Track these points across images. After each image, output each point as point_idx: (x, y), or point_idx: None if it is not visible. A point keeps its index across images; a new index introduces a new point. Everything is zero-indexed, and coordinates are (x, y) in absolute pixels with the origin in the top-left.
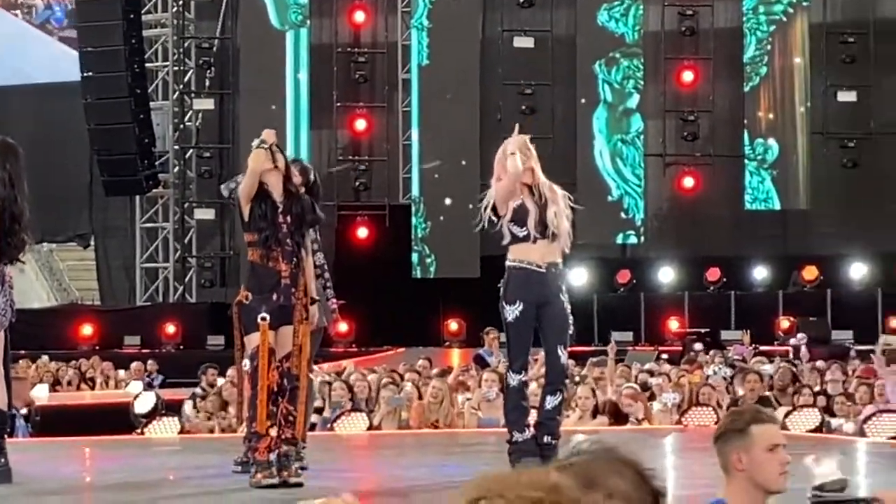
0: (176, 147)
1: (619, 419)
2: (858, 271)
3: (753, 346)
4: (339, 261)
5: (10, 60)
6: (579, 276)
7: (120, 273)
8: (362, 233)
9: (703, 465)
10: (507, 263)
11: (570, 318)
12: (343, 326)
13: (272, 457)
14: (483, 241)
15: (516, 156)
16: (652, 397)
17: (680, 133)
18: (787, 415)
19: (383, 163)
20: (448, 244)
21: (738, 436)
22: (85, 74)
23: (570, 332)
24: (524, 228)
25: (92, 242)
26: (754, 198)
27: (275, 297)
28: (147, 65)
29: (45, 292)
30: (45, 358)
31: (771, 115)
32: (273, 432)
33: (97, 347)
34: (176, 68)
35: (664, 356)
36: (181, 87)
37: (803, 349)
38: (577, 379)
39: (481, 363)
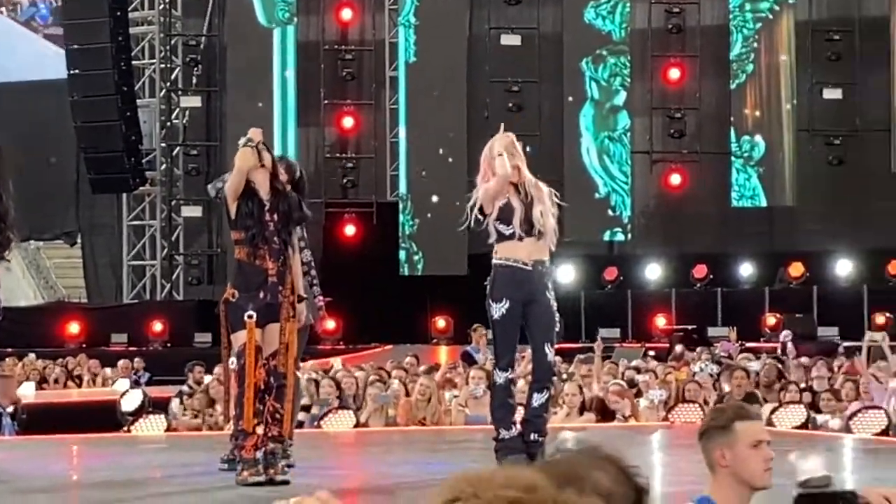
0: (163, 144)
1: (605, 416)
2: (844, 268)
3: (740, 342)
4: (327, 258)
5: None
6: (566, 274)
7: (107, 271)
8: (350, 230)
9: (690, 461)
10: (494, 261)
11: (557, 315)
12: (330, 324)
13: (259, 455)
14: (470, 238)
15: (504, 157)
16: (639, 394)
17: (667, 130)
18: (773, 411)
19: (370, 160)
20: (435, 241)
21: (722, 433)
22: (71, 72)
23: (557, 329)
24: (510, 227)
25: (79, 240)
26: (741, 195)
27: (262, 294)
28: (134, 62)
29: (32, 290)
30: (32, 356)
31: (757, 113)
32: (260, 430)
33: (84, 345)
34: (163, 66)
35: (651, 353)
36: (168, 84)
37: (789, 346)
38: (564, 376)
39: (469, 360)
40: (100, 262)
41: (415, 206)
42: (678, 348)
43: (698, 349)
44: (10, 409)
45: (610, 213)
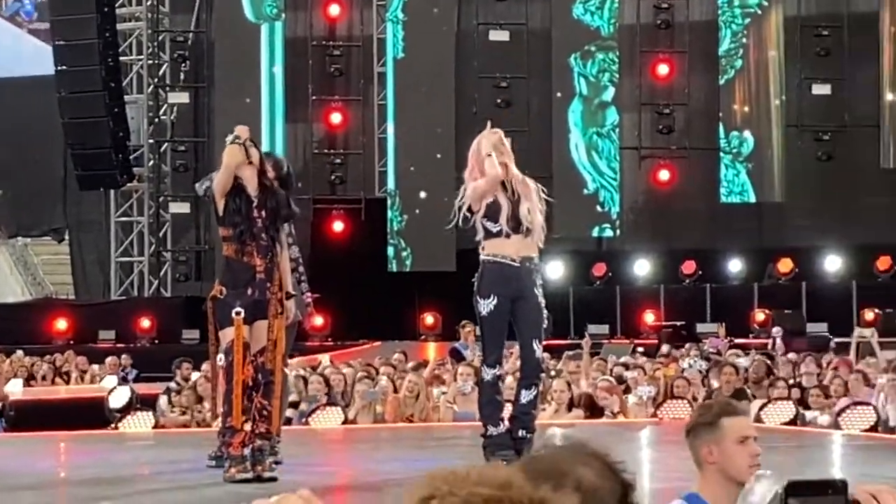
0: (150, 141)
1: (594, 412)
2: (833, 264)
3: (728, 338)
4: (315, 254)
5: None
6: (555, 270)
7: (94, 267)
8: (338, 226)
9: (678, 458)
10: (482, 257)
11: (545, 311)
12: (318, 320)
13: (246, 451)
14: (459, 234)
15: (493, 158)
16: (627, 390)
17: (655, 126)
18: (761, 407)
19: (359, 156)
20: (424, 238)
21: (708, 429)
22: (59, 68)
23: (545, 325)
24: (497, 224)
25: (66, 237)
26: (729, 191)
27: (249, 291)
28: (121, 58)
29: (20, 287)
30: (20, 353)
31: (746, 108)
32: (247, 427)
33: (72, 342)
34: (150, 62)
35: (640, 349)
36: (156, 80)
37: (778, 342)
38: (552, 372)
39: (457, 357)
40: (87, 259)
41: (403, 202)
42: (664, 348)
43: (687, 345)
44: None
45: (598, 209)
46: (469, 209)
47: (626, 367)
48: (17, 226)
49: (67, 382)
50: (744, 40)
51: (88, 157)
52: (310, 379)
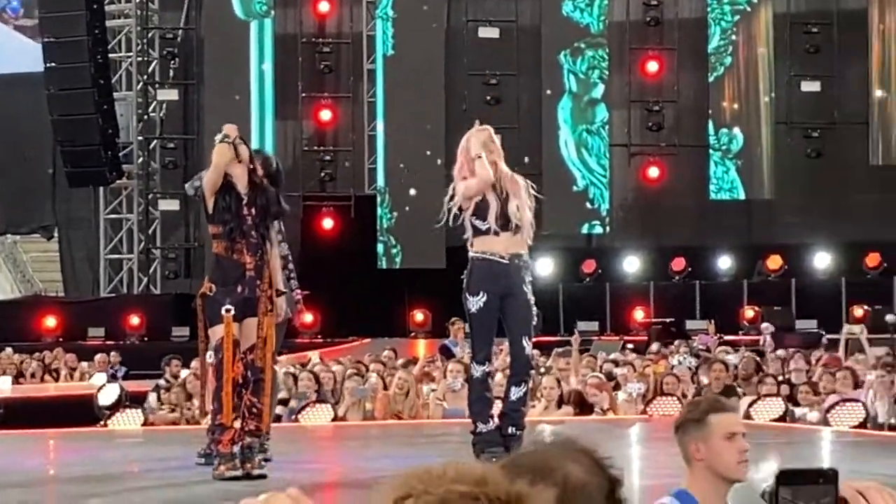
0: (140, 138)
1: (584, 409)
2: (822, 261)
3: (718, 335)
4: (305, 251)
5: None
6: (545, 266)
7: (84, 265)
8: (327, 223)
9: (668, 455)
10: (471, 255)
11: (534, 308)
12: (308, 317)
13: (235, 449)
14: (448, 231)
15: (483, 159)
16: (617, 387)
17: (645, 123)
18: (751, 404)
19: (348, 153)
20: (413, 235)
21: (696, 425)
22: (48, 65)
23: (535, 322)
24: (486, 222)
25: (55, 234)
26: (719, 188)
27: (239, 289)
28: (110, 55)
29: (9, 284)
30: (9, 350)
31: (735, 105)
32: (237, 424)
33: (61, 339)
34: (140, 59)
35: (629, 346)
36: (145, 77)
37: (767, 339)
38: (542, 369)
39: (447, 354)
40: (77, 256)
41: (393, 199)
42: (654, 346)
43: (676, 342)
44: None
45: (588, 205)
46: (458, 207)
47: (616, 363)
48: (6, 223)
49: (57, 380)
50: (733, 37)
51: (77, 154)
52: (299, 376)
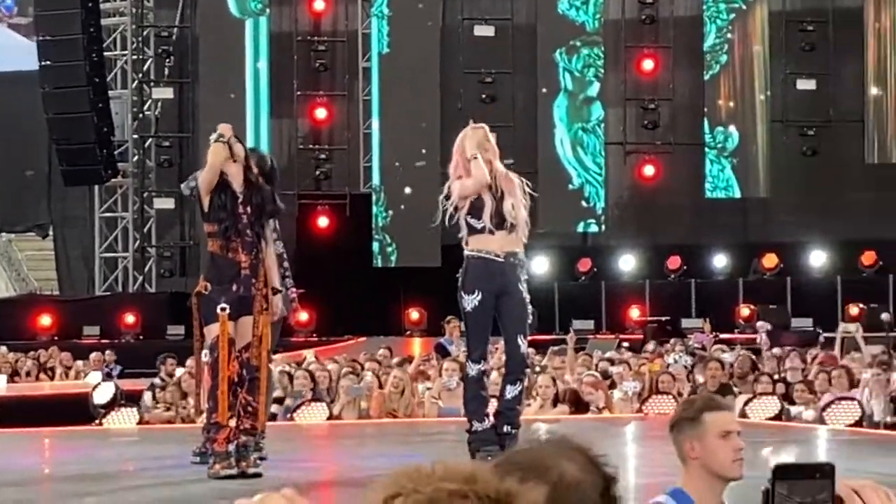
0: (135, 136)
1: (579, 408)
2: (818, 259)
3: (714, 333)
4: (300, 250)
5: None
6: (540, 265)
7: (79, 263)
8: (323, 222)
9: (663, 453)
10: (466, 253)
11: (530, 307)
12: (303, 316)
13: (231, 448)
14: (444, 230)
15: (479, 160)
16: (612, 386)
17: (640, 121)
18: (746, 402)
19: (343, 152)
20: (409, 233)
21: (691, 424)
22: (43, 63)
23: (530, 321)
24: (480, 221)
25: (51, 232)
26: (714, 186)
27: (234, 287)
28: (105, 53)
29: (4, 282)
30: (4, 349)
31: (731, 104)
32: (232, 423)
33: (56, 338)
34: (135, 57)
35: (625, 344)
36: (140, 75)
37: (763, 337)
38: (537, 368)
39: (442, 352)
40: (72, 255)
41: (388, 197)
42: (650, 346)
43: (672, 340)
44: None
45: (584, 204)
46: (454, 206)
47: (612, 362)
48: (1, 221)
49: (52, 378)
50: (729, 35)
51: (73, 152)
52: (295, 374)
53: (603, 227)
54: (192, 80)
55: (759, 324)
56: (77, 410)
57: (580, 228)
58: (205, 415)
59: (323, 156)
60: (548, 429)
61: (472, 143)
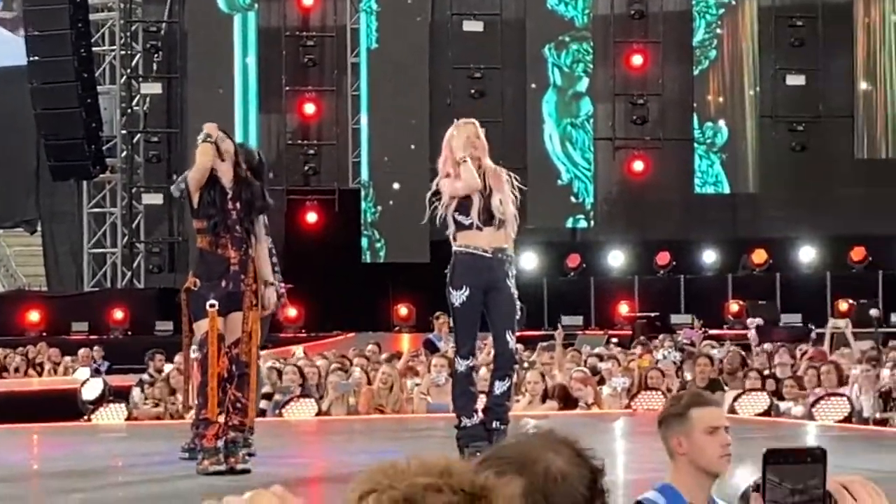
0: (123, 131)
1: (568, 404)
2: (807, 254)
3: (703, 329)
4: (289, 245)
5: None
6: (529, 261)
7: (67, 259)
8: (311, 217)
9: (652, 449)
10: (454, 248)
11: (518, 303)
12: (292, 311)
13: (220, 443)
14: (433, 225)
15: (469, 163)
16: (601, 382)
17: (629, 117)
18: (736, 398)
19: (332, 147)
20: (397, 229)
21: (678, 420)
22: (31, 59)
23: (518, 317)
24: (468, 218)
25: (39, 228)
26: (704, 181)
27: (223, 283)
28: (94, 49)
29: None
30: None
31: (720, 99)
32: (221, 419)
33: (44, 333)
34: (123, 52)
35: (614, 340)
36: (128, 71)
37: (752, 333)
38: (526, 364)
39: (431, 348)
40: (60, 250)
41: (377, 193)
42: (639, 349)
43: (661, 336)
44: None
45: (573, 199)
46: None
47: (601, 358)
48: None
49: (40, 374)
50: (718, 31)
51: (61, 147)
52: (284, 370)
53: (592, 222)
54: (180, 75)
55: (749, 320)
56: (65, 406)
57: (569, 224)
58: (194, 411)
59: (311, 151)
60: (537, 425)
61: (460, 142)
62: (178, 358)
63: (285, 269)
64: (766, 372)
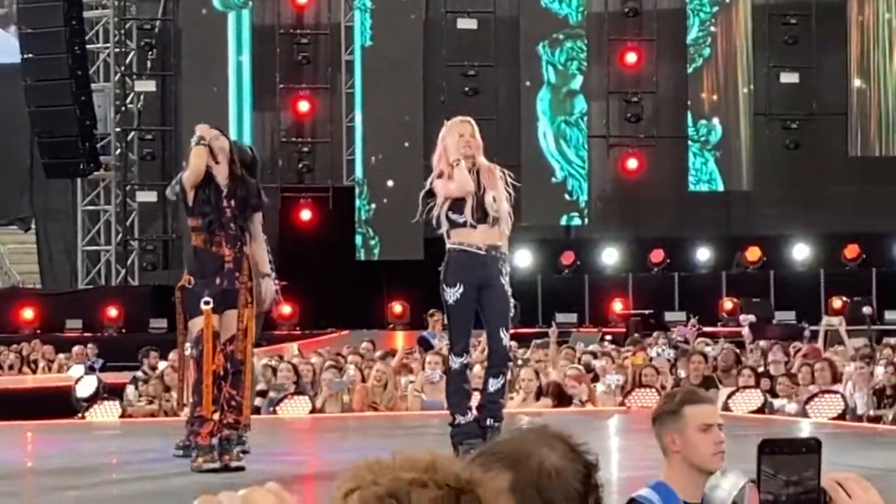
0: (117, 129)
1: (562, 401)
2: (801, 252)
3: (697, 327)
4: (283, 243)
5: None
6: (523, 258)
7: (61, 256)
8: (306, 215)
9: (646, 446)
10: (448, 246)
11: (512, 300)
12: (286, 309)
13: (214, 441)
14: (427, 223)
15: (462, 167)
16: (596, 379)
17: (623, 114)
18: (730, 396)
19: (326, 145)
20: (391, 226)
21: (672, 417)
22: (25, 56)
23: (512, 314)
24: (462, 216)
25: (33, 225)
26: (698, 179)
27: (218, 281)
28: (88, 46)
29: None
30: None
31: (714, 97)
32: (216, 417)
33: (38, 331)
34: (117, 50)
35: (608, 338)
36: (122, 68)
37: (746, 330)
38: (520, 361)
39: (425, 345)
40: (54, 248)
41: (371, 190)
42: (633, 347)
43: (655, 334)
44: None
45: (567, 197)
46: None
47: (595, 355)
48: None
49: (34, 372)
50: (712, 28)
51: (55, 145)
52: (278, 368)
53: (586, 220)
54: (174, 73)
55: (743, 317)
56: (59, 404)
57: (563, 222)
58: (189, 408)
59: (306, 149)
60: (531, 422)
61: (453, 141)
62: (172, 355)
63: (279, 266)
64: (760, 369)
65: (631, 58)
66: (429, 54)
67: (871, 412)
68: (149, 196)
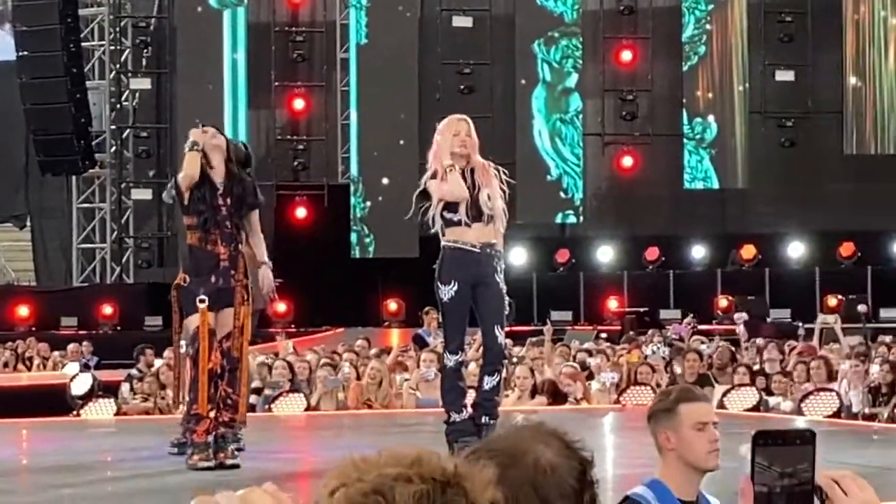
0: (112, 127)
1: (557, 399)
2: (796, 250)
3: (694, 324)
4: (278, 241)
5: None
6: (518, 256)
7: (56, 254)
8: (301, 213)
9: (641, 444)
10: (443, 243)
11: (507, 298)
12: (281, 307)
13: (209, 439)
14: (422, 221)
15: (456, 172)
16: (591, 377)
17: (618, 112)
18: (725, 394)
19: (321, 142)
20: (386, 224)
21: (667, 415)
22: (20, 54)
23: (507, 312)
24: (457, 214)
25: (28, 223)
26: (693, 177)
27: (213, 279)
28: (83, 44)
29: None
30: None
31: (709, 95)
32: (212, 415)
33: (33, 329)
34: (112, 47)
35: (603, 335)
36: (118, 66)
37: (741, 328)
38: (515, 359)
39: (420, 343)
40: (49, 246)
41: (366, 188)
42: (628, 344)
43: (650, 331)
44: None
45: (562, 195)
46: (428, 197)
47: (590, 353)
48: None
49: (29, 369)
50: (707, 27)
51: (50, 142)
52: (273, 365)
53: (581, 218)
54: (169, 70)
55: (738, 315)
56: (55, 401)
57: (558, 219)
58: (185, 406)
59: (301, 146)
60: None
61: (446, 144)
62: (167, 353)
63: (274, 264)
64: (756, 367)
65: (626, 56)
66: (424, 52)
67: (867, 410)
68: (144, 194)
